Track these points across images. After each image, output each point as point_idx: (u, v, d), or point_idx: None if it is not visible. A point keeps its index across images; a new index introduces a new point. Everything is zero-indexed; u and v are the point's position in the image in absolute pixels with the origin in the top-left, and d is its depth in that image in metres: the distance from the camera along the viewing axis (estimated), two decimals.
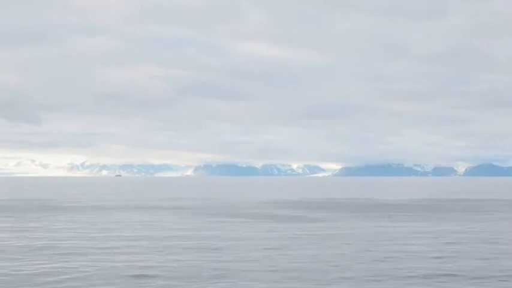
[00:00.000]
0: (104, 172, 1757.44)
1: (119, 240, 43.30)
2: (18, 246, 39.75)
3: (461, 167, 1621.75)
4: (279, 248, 39.03)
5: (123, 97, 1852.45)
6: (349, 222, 59.48)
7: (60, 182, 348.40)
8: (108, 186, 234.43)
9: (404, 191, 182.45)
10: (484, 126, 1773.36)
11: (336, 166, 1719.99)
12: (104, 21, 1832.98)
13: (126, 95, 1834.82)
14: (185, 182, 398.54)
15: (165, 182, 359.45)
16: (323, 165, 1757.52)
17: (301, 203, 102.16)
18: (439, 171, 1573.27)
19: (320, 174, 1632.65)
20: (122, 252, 37.10)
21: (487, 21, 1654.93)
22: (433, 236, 46.99)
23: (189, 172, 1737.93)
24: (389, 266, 32.13)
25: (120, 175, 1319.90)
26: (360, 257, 35.08)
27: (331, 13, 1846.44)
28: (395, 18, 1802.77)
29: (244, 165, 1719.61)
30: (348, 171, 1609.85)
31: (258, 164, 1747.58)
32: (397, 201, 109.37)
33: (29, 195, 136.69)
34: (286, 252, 36.75)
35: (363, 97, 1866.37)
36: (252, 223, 58.47)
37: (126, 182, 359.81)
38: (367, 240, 43.73)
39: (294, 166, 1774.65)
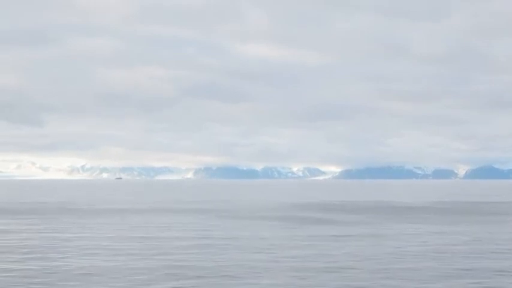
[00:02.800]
0: (104, 175, 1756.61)
1: (163, 240, 43.11)
2: (80, 246, 39.59)
3: (461, 170, 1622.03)
4: (333, 248, 38.72)
5: (123, 98, 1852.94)
6: (390, 224, 59.12)
7: (64, 185, 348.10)
8: (114, 189, 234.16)
9: (418, 193, 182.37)
10: (485, 127, 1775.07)
11: (336, 169, 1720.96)
12: (104, 22, 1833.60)
13: (127, 96, 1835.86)
14: (189, 184, 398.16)
15: (169, 185, 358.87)
16: (323, 168, 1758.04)
17: (321, 205, 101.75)
18: (439, 173, 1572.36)
19: (320, 177, 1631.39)
20: (175, 252, 37.06)
21: (487, 22, 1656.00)
22: (489, 237, 47.81)
23: (190, 175, 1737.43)
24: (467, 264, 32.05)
25: (120, 178, 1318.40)
26: (433, 255, 35.58)
27: (331, 13, 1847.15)
28: (396, 19, 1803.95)
29: (244, 168, 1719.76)
30: (348, 174, 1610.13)
31: (259, 166, 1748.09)
32: (420, 203, 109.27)
33: (42, 198, 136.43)
34: (344, 251, 36.52)
35: (363, 98, 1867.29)
36: (285, 226, 58.20)
37: (130, 185, 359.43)
38: (423, 241, 43.83)
39: (295, 169, 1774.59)
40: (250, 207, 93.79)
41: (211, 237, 46.92)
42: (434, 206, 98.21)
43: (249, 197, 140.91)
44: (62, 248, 39.33)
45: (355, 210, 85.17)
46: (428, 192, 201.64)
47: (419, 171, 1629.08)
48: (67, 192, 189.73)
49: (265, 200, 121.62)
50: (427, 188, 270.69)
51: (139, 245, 41.38)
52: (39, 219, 65.67)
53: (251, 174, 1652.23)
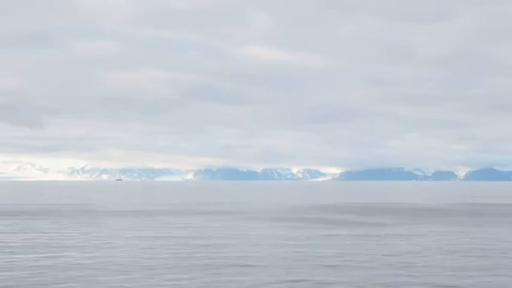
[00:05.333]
0: (104, 176, 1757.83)
1: (209, 239, 43.88)
2: (133, 244, 40.44)
3: (461, 172, 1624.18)
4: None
5: (125, 101, 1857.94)
6: (418, 225, 59.85)
7: (68, 186, 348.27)
8: (121, 191, 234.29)
9: (427, 194, 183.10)
10: (486, 129, 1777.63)
11: (336, 170, 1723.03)
12: (106, 25, 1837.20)
13: (128, 98, 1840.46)
14: (194, 186, 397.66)
15: (174, 186, 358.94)
16: (323, 170, 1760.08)
17: (338, 207, 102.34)
18: (439, 175, 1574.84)
19: (320, 179, 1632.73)
20: (224, 249, 37.88)
21: (491, 25, 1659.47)
22: None
23: (190, 176, 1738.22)
24: None
25: (121, 179, 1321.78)
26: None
27: (334, 16, 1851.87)
28: (400, 22, 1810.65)
29: (244, 170, 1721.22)
30: (348, 176, 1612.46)
31: (259, 168, 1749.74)
32: (436, 205, 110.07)
33: (55, 199, 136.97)
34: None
35: (364, 101, 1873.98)
36: (315, 227, 58.91)
37: (134, 187, 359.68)
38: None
39: (294, 170, 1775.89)
40: (269, 209, 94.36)
41: (250, 236, 48.02)
42: (451, 208, 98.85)
43: (262, 199, 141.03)
44: (112, 245, 40.14)
45: (376, 212, 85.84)
46: (437, 193, 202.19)
47: (419, 173, 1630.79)
48: (77, 193, 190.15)
49: (281, 202, 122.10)
50: (433, 190, 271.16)
51: (193, 243, 42.19)
52: (67, 220, 66.22)
53: (251, 175, 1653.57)
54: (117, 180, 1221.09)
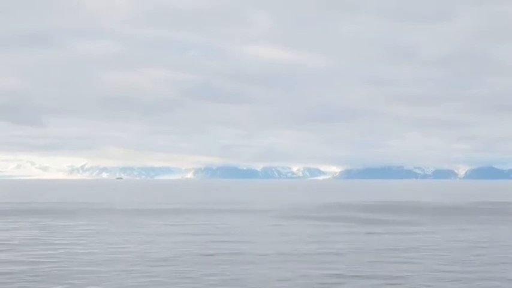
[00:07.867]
0: (104, 175, 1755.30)
1: (265, 235, 44.87)
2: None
3: (461, 170, 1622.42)
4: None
5: (125, 101, 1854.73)
6: (443, 224, 61.02)
7: (69, 185, 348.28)
8: (124, 190, 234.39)
9: (437, 193, 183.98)
10: (485, 129, 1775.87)
11: (336, 169, 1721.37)
12: (106, 25, 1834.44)
13: (128, 98, 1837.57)
14: (199, 184, 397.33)
15: (175, 185, 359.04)
16: (323, 168, 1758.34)
17: (356, 205, 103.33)
18: (439, 173, 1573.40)
19: (320, 177, 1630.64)
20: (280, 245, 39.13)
21: (493, 24, 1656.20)
22: None
23: (189, 175, 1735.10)
24: None
25: (121, 178, 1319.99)
26: None
27: (335, 16, 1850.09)
28: (400, 22, 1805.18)
29: (244, 168, 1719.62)
30: (348, 174, 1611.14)
31: (259, 166, 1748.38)
32: (450, 204, 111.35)
33: (61, 198, 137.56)
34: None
35: (364, 101, 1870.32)
36: (346, 225, 60.03)
37: (135, 185, 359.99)
38: None
39: (294, 169, 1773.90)
40: (293, 207, 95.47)
41: (281, 233, 50.23)
42: (468, 207, 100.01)
43: (280, 198, 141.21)
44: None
45: (395, 211, 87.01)
46: (445, 192, 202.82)
47: (419, 172, 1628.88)
48: (81, 192, 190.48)
49: (301, 201, 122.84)
50: (438, 188, 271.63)
51: (225, 240, 43.33)
52: (88, 218, 66.97)
53: (251, 174, 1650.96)
54: (118, 178, 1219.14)
